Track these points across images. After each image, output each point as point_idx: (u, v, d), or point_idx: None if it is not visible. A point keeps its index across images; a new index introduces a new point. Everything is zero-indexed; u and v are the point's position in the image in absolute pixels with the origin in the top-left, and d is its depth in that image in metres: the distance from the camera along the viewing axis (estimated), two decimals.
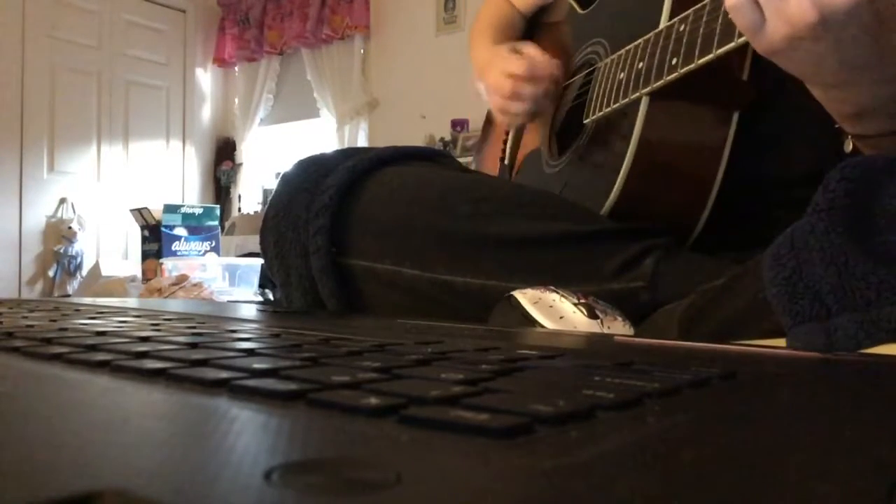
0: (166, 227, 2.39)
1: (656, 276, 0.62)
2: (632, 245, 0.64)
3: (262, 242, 0.75)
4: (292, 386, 0.20)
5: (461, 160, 0.93)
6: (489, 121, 1.13)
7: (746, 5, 0.45)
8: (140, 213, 2.48)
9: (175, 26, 4.52)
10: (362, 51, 4.06)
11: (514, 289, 0.55)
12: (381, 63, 4.02)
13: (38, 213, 3.91)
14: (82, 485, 0.12)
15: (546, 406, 0.18)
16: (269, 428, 0.17)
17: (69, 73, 4.01)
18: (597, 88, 0.77)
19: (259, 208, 4.24)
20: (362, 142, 4.00)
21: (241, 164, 4.59)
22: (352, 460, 0.14)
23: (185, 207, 2.50)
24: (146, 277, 2.35)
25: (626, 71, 0.71)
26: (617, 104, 0.72)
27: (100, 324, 0.39)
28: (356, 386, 0.20)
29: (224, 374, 0.22)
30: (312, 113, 4.28)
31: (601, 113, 0.75)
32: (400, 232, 0.68)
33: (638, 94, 0.68)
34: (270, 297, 2.17)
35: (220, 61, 4.63)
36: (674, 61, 0.63)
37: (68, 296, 3.55)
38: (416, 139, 3.59)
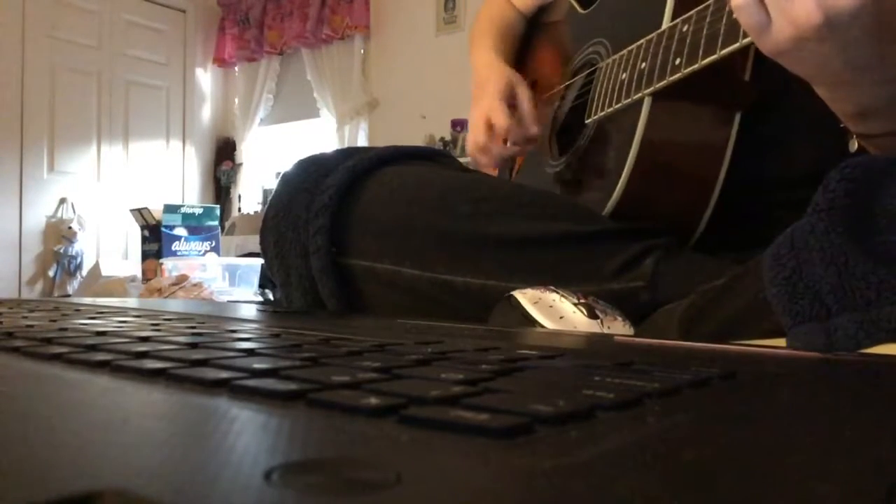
0: (166, 227, 2.39)
1: (656, 276, 0.62)
2: (632, 245, 0.64)
3: (262, 242, 0.75)
4: (292, 386, 0.20)
5: (461, 160, 0.94)
6: None
7: (752, 5, 0.45)
8: (140, 213, 2.48)
9: (175, 26, 4.52)
10: (362, 51, 4.07)
11: (514, 289, 0.55)
12: (381, 63, 4.02)
13: (38, 213, 3.91)
14: (82, 485, 0.12)
15: (546, 406, 0.18)
16: (269, 428, 0.17)
17: (69, 73, 4.02)
18: (598, 88, 0.77)
19: (259, 208, 4.24)
20: (362, 142, 4.00)
21: (241, 164, 4.59)
22: (352, 460, 0.14)
23: (185, 207, 2.49)
24: (146, 277, 2.35)
25: (628, 71, 0.71)
26: (619, 104, 0.72)
27: (100, 324, 0.39)
28: (356, 386, 0.20)
29: (224, 374, 0.22)
30: (312, 113, 4.28)
31: (603, 113, 0.75)
32: (400, 232, 0.68)
33: (640, 94, 0.68)
34: (270, 297, 2.17)
35: (220, 61, 4.64)
36: (677, 61, 0.63)
37: (68, 296, 3.55)
38: (416, 139, 3.59)
